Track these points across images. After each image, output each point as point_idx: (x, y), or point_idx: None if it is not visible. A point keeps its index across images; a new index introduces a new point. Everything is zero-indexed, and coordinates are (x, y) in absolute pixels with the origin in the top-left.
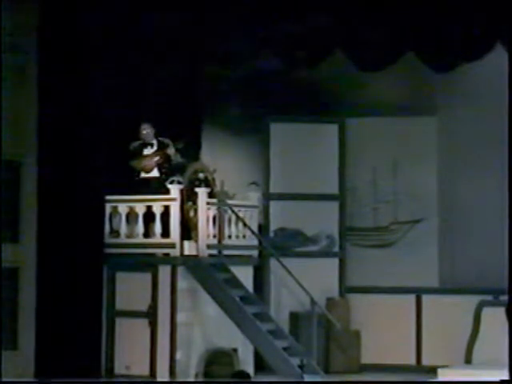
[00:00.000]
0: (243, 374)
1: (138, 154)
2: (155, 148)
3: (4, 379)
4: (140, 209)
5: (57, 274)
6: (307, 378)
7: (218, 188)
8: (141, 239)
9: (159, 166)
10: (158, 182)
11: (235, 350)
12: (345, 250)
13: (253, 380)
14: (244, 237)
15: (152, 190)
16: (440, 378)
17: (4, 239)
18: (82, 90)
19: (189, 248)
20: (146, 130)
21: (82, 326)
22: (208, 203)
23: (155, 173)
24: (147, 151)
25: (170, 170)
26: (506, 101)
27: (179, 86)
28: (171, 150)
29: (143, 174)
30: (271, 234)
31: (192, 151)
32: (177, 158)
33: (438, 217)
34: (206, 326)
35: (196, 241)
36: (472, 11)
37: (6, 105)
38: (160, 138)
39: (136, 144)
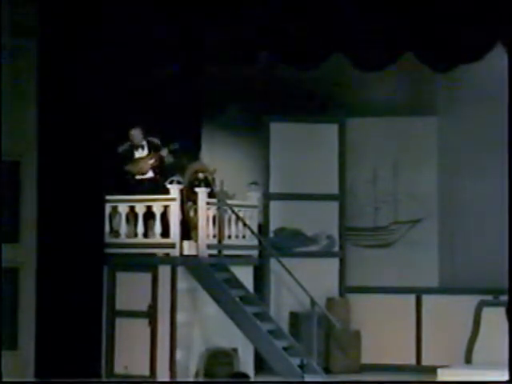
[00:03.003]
0: (242, 376)
1: (130, 156)
2: (146, 150)
3: (4, 379)
4: (140, 209)
5: (57, 274)
6: (307, 378)
7: (217, 188)
8: (141, 239)
9: (153, 168)
10: (153, 183)
11: (235, 350)
12: (345, 250)
13: (253, 380)
14: (244, 237)
15: (148, 190)
16: (440, 378)
17: (4, 239)
18: (82, 89)
19: (189, 248)
20: (135, 132)
21: (82, 326)
22: (208, 203)
23: (150, 174)
24: (138, 154)
25: (163, 170)
26: (506, 101)
27: (179, 86)
28: (164, 152)
29: (138, 176)
30: (271, 234)
31: (192, 151)
32: (169, 159)
33: (437, 217)
34: (206, 326)
35: (196, 241)
36: (472, 11)
37: (5, 105)
38: (149, 139)
39: (126, 147)
